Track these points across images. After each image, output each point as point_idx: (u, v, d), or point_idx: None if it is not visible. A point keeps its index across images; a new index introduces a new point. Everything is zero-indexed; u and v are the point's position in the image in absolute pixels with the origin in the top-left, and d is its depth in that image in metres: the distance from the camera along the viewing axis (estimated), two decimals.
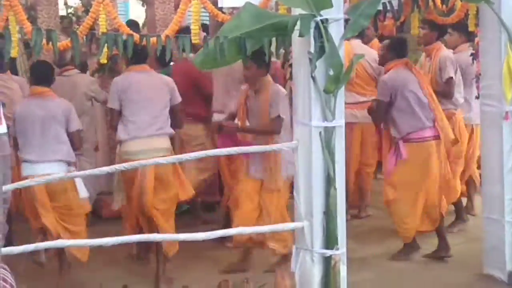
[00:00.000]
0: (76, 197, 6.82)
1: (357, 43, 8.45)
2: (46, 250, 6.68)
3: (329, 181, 5.78)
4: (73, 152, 6.85)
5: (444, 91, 7.85)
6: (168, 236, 6.58)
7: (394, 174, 7.35)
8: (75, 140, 6.87)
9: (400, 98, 7.25)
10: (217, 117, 7.81)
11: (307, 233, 5.87)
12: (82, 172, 6.55)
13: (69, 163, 6.77)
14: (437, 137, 7.27)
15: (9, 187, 5.95)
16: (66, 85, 8.14)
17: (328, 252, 5.81)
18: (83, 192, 6.87)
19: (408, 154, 7.23)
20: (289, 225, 6.22)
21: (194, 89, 8.07)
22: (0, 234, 3.80)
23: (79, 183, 6.83)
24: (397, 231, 7.55)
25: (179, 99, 7.02)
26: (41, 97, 6.81)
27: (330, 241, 5.80)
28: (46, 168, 6.60)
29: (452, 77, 7.90)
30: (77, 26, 10.22)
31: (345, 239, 5.92)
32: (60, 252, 6.75)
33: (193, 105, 7.93)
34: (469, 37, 8.12)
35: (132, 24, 9.35)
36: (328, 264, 5.81)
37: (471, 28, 7.04)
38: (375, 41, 9.30)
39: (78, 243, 6.45)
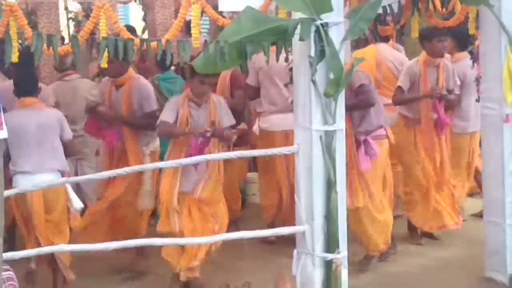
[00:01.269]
0: (65, 212, 6.76)
1: (384, 46, 8.48)
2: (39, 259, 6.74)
3: (330, 184, 5.78)
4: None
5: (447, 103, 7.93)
6: (170, 241, 6.55)
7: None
8: (70, 149, 6.88)
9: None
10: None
11: (308, 237, 5.87)
12: (84, 177, 6.56)
13: (63, 173, 6.74)
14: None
15: (11, 192, 5.97)
16: (66, 89, 8.14)
17: (329, 256, 5.81)
18: (76, 203, 6.73)
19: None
20: (290, 229, 6.22)
21: None
22: (1, 239, 3.81)
23: (72, 194, 6.75)
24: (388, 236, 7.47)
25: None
26: (32, 108, 6.75)
27: (331, 244, 5.80)
28: (43, 178, 6.54)
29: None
30: (78, 31, 10.23)
31: (346, 242, 5.92)
32: (53, 263, 6.75)
33: None
34: (465, 44, 8.15)
35: (129, 29, 9.36)
36: (329, 268, 5.81)
37: (471, 31, 7.04)
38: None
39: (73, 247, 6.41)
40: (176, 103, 6.82)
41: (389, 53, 8.48)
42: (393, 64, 8.46)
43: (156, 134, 7.15)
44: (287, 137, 7.30)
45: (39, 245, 6.54)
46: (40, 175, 6.57)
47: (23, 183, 6.53)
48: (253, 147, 8.28)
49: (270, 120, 7.94)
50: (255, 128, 8.11)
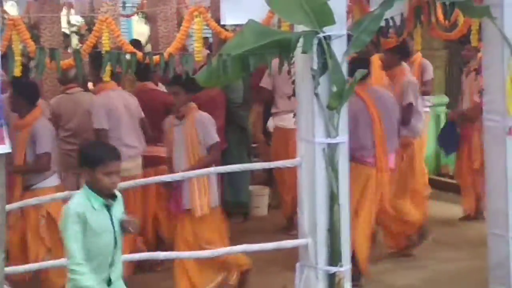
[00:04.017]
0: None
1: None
2: None
3: (333, 197, 5.77)
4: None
5: (402, 117, 7.90)
6: (174, 254, 6.55)
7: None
8: (37, 164, 7.04)
9: None
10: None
11: (311, 250, 5.85)
12: None
13: None
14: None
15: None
16: (68, 103, 8.14)
17: (333, 269, 5.78)
18: None
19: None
20: (293, 242, 6.20)
21: None
22: (3, 254, 3.79)
23: None
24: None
25: None
26: None
27: (334, 258, 5.78)
28: None
29: (412, 103, 7.99)
30: (81, 45, 10.25)
31: (349, 255, 5.90)
32: None
33: None
34: (405, 57, 8.39)
35: (135, 43, 9.39)
36: (332, 281, 5.79)
37: (474, 43, 7.04)
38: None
39: None
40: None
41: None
42: None
43: None
44: None
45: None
46: None
47: None
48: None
49: (286, 119, 8.52)
50: (270, 125, 8.97)
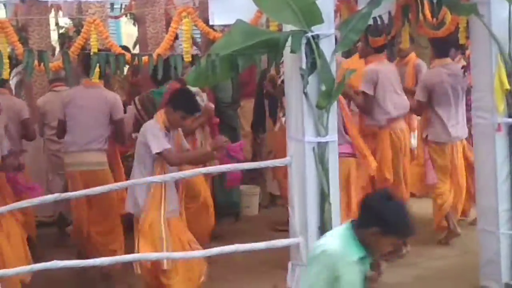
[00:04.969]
0: None
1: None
2: None
3: (324, 196, 5.78)
4: None
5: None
6: (165, 255, 6.53)
7: None
8: None
9: None
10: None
11: (303, 249, 5.86)
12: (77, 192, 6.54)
13: None
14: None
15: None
16: (55, 100, 8.14)
17: None
18: None
19: None
20: (285, 241, 6.21)
21: None
22: None
23: None
24: None
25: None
26: None
27: None
28: None
29: (363, 91, 7.84)
30: (69, 47, 10.23)
31: None
32: None
33: None
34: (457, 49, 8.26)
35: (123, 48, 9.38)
36: None
37: (462, 41, 7.06)
38: None
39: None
40: (158, 128, 6.53)
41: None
42: None
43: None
44: None
45: None
46: None
47: None
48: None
49: None
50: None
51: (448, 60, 8.07)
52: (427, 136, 8.11)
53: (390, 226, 4.09)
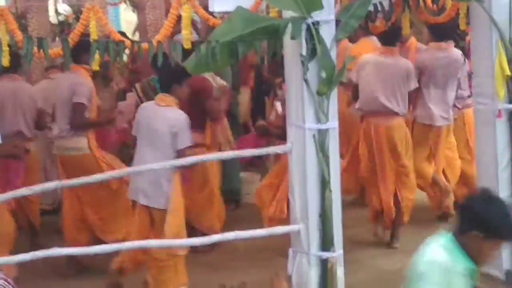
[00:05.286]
0: None
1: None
2: None
3: (324, 183, 5.77)
4: None
5: None
6: (165, 243, 6.53)
7: None
8: None
9: None
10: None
11: (303, 235, 5.86)
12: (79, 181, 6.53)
13: None
14: None
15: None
16: (50, 87, 8.12)
17: (325, 255, 5.80)
18: None
19: None
20: (285, 228, 6.21)
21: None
22: None
23: None
24: None
25: None
26: None
27: (326, 243, 5.80)
28: None
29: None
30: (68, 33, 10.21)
31: (341, 241, 5.91)
32: None
33: None
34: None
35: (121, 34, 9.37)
36: (325, 267, 5.81)
37: (462, 27, 7.04)
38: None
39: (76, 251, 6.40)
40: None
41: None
42: None
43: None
44: None
45: None
46: None
47: None
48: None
49: None
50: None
51: (443, 44, 8.03)
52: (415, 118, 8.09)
53: (492, 229, 3.81)
